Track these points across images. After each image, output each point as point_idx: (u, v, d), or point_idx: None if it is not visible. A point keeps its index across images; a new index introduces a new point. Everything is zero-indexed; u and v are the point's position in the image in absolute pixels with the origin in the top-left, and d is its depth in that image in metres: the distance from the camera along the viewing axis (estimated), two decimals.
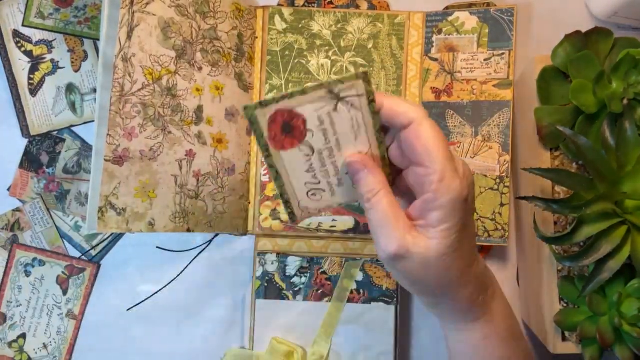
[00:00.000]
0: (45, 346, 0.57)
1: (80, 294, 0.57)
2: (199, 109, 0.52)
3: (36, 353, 0.57)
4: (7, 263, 0.57)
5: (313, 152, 0.39)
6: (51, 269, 0.57)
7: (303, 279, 0.56)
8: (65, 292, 0.57)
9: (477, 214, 0.54)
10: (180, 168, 0.50)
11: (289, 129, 0.38)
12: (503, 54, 0.55)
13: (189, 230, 0.51)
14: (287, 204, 0.42)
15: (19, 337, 0.57)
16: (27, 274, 0.57)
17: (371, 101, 0.38)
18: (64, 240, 0.57)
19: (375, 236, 0.37)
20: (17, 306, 0.57)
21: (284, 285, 0.56)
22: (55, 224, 0.57)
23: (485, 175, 0.54)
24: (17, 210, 0.57)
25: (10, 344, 0.56)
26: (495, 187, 0.54)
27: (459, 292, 0.38)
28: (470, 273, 0.38)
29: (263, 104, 0.37)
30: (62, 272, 0.57)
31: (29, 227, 0.57)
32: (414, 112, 0.36)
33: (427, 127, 0.35)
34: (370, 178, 0.37)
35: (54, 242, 0.57)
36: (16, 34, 0.57)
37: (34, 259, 0.57)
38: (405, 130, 0.36)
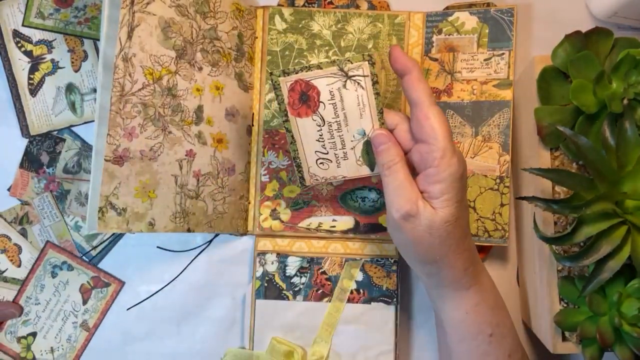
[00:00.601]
0: (52, 350, 0.57)
1: (99, 307, 0.57)
2: (199, 109, 0.52)
3: (42, 354, 0.57)
4: (37, 260, 0.56)
5: (324, 123, 0.45)
6: (78, 276, 0.57)
7: (303, 279, 0.56)
8: (85, 302, 0.57)
9: (477, 213, 0.54)
10: (181, 168, 0.50)
11: (306, 98, 0.44)
12: (503, 54, 0.55)
13: (189, 230, 0.51)
14: (298, 167, 0.47)
15: (29, 334, 0.57)
16: (54, 275, 0.57)
17: (375, 82, 0.43)
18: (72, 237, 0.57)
19: (391, 199, 0.43)
20: (36, 304, 0.57)
21: (284, 285, 0.56)
22: (63, 217, 0.57)
23: (485, 175, 0.54)
24: (26, 203, 0.57)
25: (19, 339, 0.56)
26: (495, 187, 0.54)
27: (456, 259, 0.43)
28: (464, 243, 0.44)
29: (286, 73, 0.43)
30: (87, 282, 0.57)
31: (38, 221, 0.57)
32: (428, 95, 0.42)
33: (435, 110, 0.42)
34: (393, 150, 0.43)
35: (62, 236, 0.57)
36: (16, 33, 0.57)
37: (64, 262, 0.57)
38: (416, 109, 0.42)
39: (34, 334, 0.57)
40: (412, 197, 0.42)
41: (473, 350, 0.45)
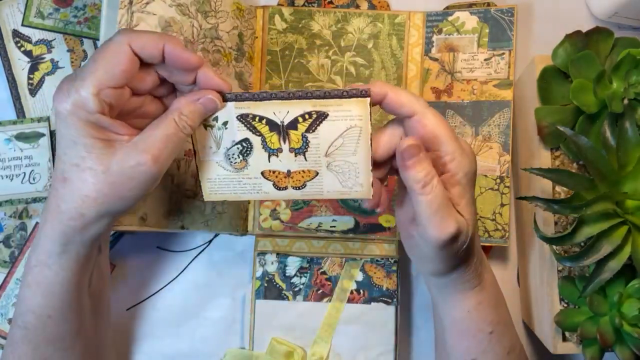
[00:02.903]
0: None
1: None
2: None
3: None
4: (26, 241, 0.56)
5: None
6: None
7: (303, 279, 0.55)
8: None
9: (478, 213, 0.54)
10: (178, 167, 0.50)
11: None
12: (503, 53, 0.55)
13: (182, 228, 0.51)
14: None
15: None
16: None
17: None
18: None
19: (431, 220, 0.38)
20: None
21: (284, 286, 0.55)
22: None
23: (486, 175, 0.54)
24: None
25: (9, 321, 0.56)
26: (496, 187, 0.54)
27: (470, 262, 0.42)
28: (476, 245, 0.42)
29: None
30: None
31: (38, 215, 0.57)
32: (416, 103, 0.38)
33: (430, 115, 0.38)
34: (427, 162, 0.38)
35: None
36: (16, 33, 0.57)
37: None
38: (411, 121, 0.39)
39: None
40: (455, 216, 0.38)
41: (472, 347, 0.45)
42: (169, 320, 0.58)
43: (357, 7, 0.57)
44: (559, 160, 0.50)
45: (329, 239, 0.57)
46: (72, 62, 0.58)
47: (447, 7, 0.57)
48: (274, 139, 0.40)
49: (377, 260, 0.56)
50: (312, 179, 0.42)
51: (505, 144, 0.54)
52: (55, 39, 0.57)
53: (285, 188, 0.42)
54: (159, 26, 0.48)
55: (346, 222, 0.56)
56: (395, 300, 0.55)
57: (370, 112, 0.39)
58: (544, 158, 0.50)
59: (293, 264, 0.56)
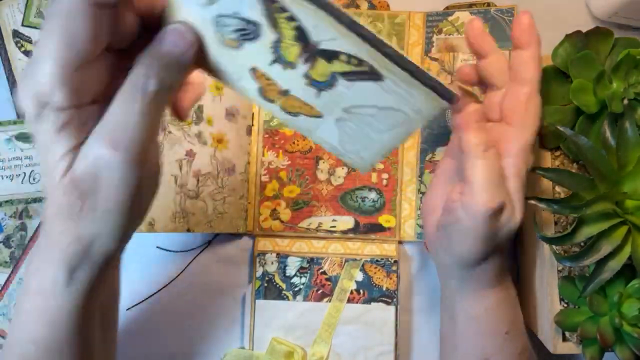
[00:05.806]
0: None
1: None
2: (199, 109, 0.52)
3: None
4: (30, 241, 0.56)
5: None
6: None
7: (303, 279, 0.55)
8: None
9: None
10: (180, 168, 0.50)
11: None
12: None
13: (188, 230, 0.51)
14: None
15: None
16: None
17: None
18: None
19: (485, 186, 0.37)
20: None
21: (284, 286, 0.55)
22: None
23: None
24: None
25: (10, 321, 0.56)
26: None
27: (500, 257, 0.42)
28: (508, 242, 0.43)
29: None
30: None
31: (38, 215, 0.57)
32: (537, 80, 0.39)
33: (533, 95, 0.39)
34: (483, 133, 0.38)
35: None
36: (16, 33, 0.57)
37: None
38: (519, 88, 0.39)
39: None
40: (503, 193, 0.38)
41: (487, 346, 0.45)
42: (169, 320, 0.58)
43: (357, 7, 0.57)
44: (559, 160, 0.50)
45: (329, 239, 0.57)
46: None
47: (447, 7, 0.57)
48: (292, 51, 0.29)
49: (377, 260, 0.56)
50: (311, 117, 0.33)
51: None
52: None
53: (272, 101, 0.32)
54: None
55: (346, 222, 0.56)
56: (395, 300, 0.55)
57: (435, 116, 0.32)
58: (544, 158, 0.50)
59: (293, 264, 0.56)
